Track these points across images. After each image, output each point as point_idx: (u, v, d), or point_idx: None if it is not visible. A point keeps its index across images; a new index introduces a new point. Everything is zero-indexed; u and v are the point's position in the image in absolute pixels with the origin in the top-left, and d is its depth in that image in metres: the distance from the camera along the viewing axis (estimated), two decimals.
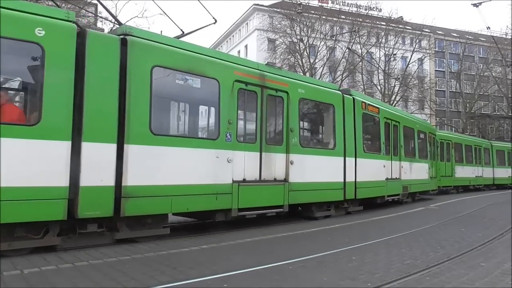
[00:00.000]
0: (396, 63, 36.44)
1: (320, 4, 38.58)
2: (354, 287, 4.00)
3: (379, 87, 34.42)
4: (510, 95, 38.92)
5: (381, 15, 36.84)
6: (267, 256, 5.29)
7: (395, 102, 33.19)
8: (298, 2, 28.42)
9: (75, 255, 5.05)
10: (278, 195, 7.96)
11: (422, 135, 15.59)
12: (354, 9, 36.12)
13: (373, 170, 11.08)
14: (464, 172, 22.47)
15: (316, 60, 31.17)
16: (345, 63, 31.97)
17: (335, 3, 40.60)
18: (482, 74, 41.59)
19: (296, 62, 30.79)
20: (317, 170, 8.93)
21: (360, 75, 33.95)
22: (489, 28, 22.72)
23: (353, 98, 10.40)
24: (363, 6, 37.64)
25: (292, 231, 7.39)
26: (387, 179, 11.91)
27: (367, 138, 11.83)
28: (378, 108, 11.79)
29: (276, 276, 4.30)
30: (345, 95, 10.14)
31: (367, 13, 35.46)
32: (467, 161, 23.26)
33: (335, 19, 32.72)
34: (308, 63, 30.80)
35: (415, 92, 39.00)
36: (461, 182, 22.17)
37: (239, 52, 46.07)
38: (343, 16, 33.65)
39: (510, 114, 39.31)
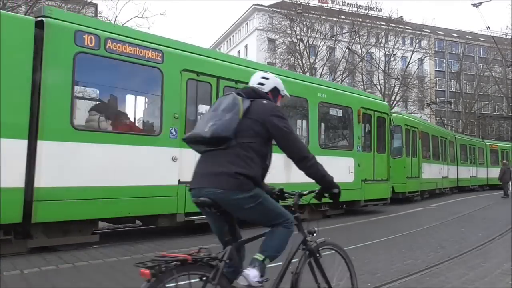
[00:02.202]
0: (396, 63, 36.42)
1: (320, 4, 38.55)
2: None
3: (379, 87, 34.42)
4: (510, 95, 38.95)
5: (381, 15, 36.84)
6: None
7: (395, 102, 33.21)
8: (298, 2, 28.44)
9: (75, 255, 5.05)
10: None
11: (337, 112, 10.11)
12: (354, 9, 36.10)
13: (114, 166, 5.79)
14: (432, 172, 17.20)
15: (316, 60, 31.17)
16: (345, 63, 31.99)
17: (335, 3, 40.55)
18: (482, 74, 41.61)
19: (296, 62, 30.80)
20: None
21: (360, 75, 33.93)
22: (489, 28, 22.61)
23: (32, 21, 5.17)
24: (363, 6, 37.66)
25: None
26: (186, 182, 6.06)
27: (105, 104, 6.39)
28: (160, 51, 6.35)
29: (276, 276, 4.28)
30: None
31: (367, 13, 35.44)
32: (434, 157, 18.05)
33: (335, 19, 32.71)
34: (308, 63, 30.81)
35: (415, 92, 39.01)
36: (428, 186, 16.70)
37: (239, 52, 46.10)
38: (343, 16, 33.63)
39: (510, 114, 39.34)
